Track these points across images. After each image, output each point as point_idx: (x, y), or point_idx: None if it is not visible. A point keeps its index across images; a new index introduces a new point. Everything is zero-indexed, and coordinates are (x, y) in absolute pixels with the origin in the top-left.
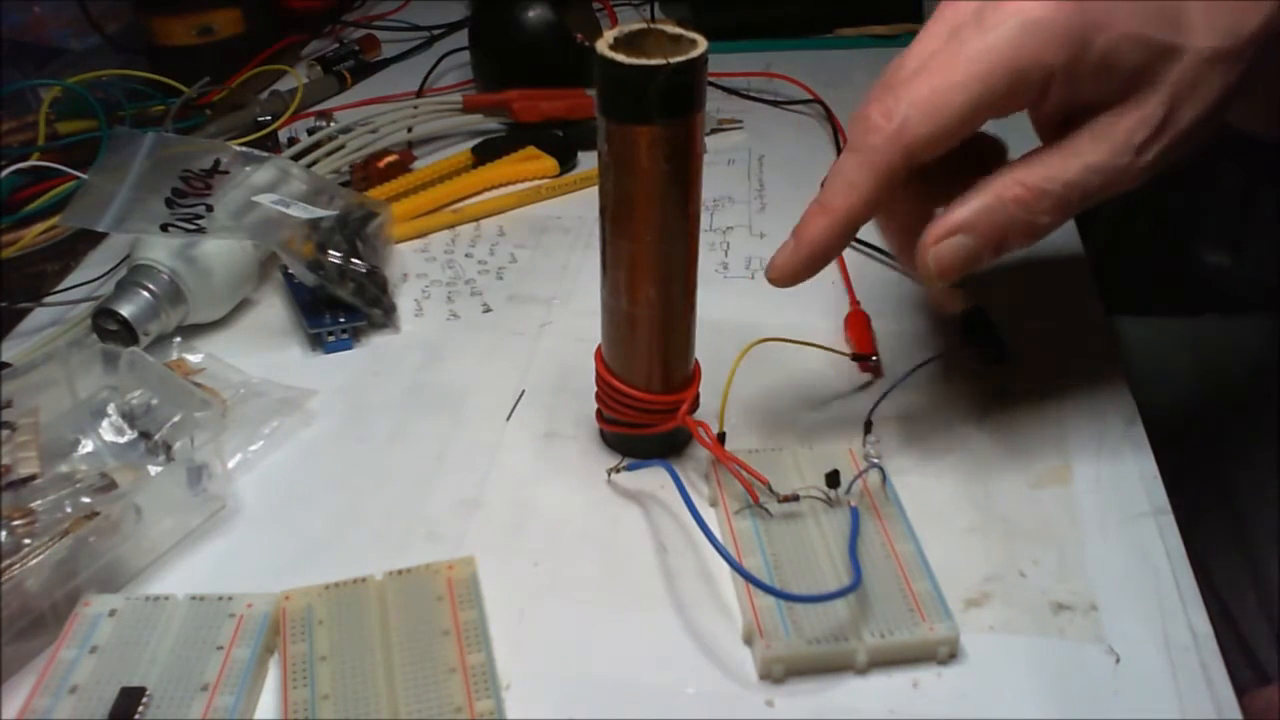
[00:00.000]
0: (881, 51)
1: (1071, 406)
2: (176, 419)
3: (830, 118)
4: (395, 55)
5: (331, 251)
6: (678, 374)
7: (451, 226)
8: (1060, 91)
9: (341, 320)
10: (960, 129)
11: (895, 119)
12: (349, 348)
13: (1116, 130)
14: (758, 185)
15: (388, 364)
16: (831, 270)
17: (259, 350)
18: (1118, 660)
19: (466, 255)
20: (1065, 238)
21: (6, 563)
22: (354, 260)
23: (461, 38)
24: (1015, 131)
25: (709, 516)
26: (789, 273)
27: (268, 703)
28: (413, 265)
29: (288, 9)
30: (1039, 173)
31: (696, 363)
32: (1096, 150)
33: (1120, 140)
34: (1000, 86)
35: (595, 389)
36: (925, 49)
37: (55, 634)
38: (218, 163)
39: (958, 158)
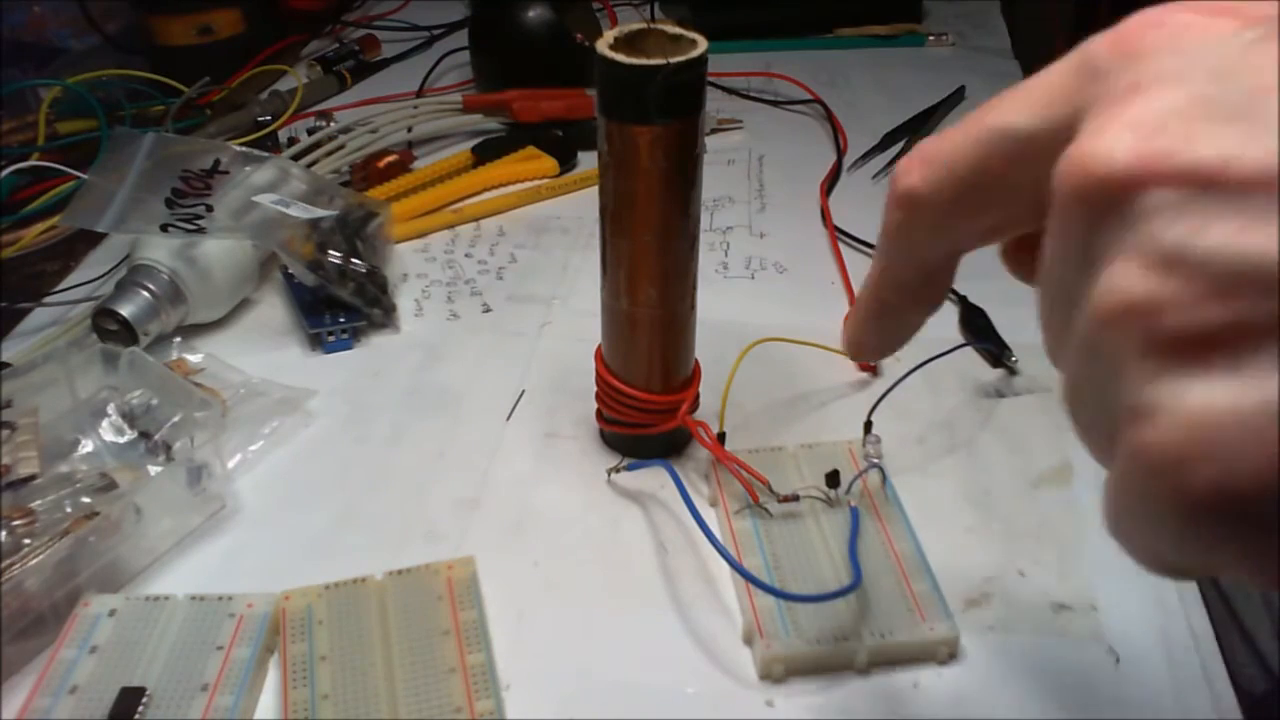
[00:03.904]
0: (881, 51)
1: None
2: (176, 419)
3: (830, 118)
4: (395, 55)
5: (331, 251)
6: (678, 374)
7: (451, 226)
8: None
9: (341, 320)
10: (973, 198)
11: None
12: (349, 348)
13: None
14: (758, 185)
15: (388, 364)
16: (831, 270)
17: (259, 350)
18: (1118, 660)
19: (466, 255)
20: None
21: (6, 563)
22: (354, 260)
23: (461, 38)
24: None
25: (709, 516)
26: (853, 346)
27: (268, 703)
28: (413, 265)
29: (288, 9)
30: None
31: (696, 363)
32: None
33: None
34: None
35: (595, 389)
36: None
37: (55, 634)
38: (218, 163)
39: None
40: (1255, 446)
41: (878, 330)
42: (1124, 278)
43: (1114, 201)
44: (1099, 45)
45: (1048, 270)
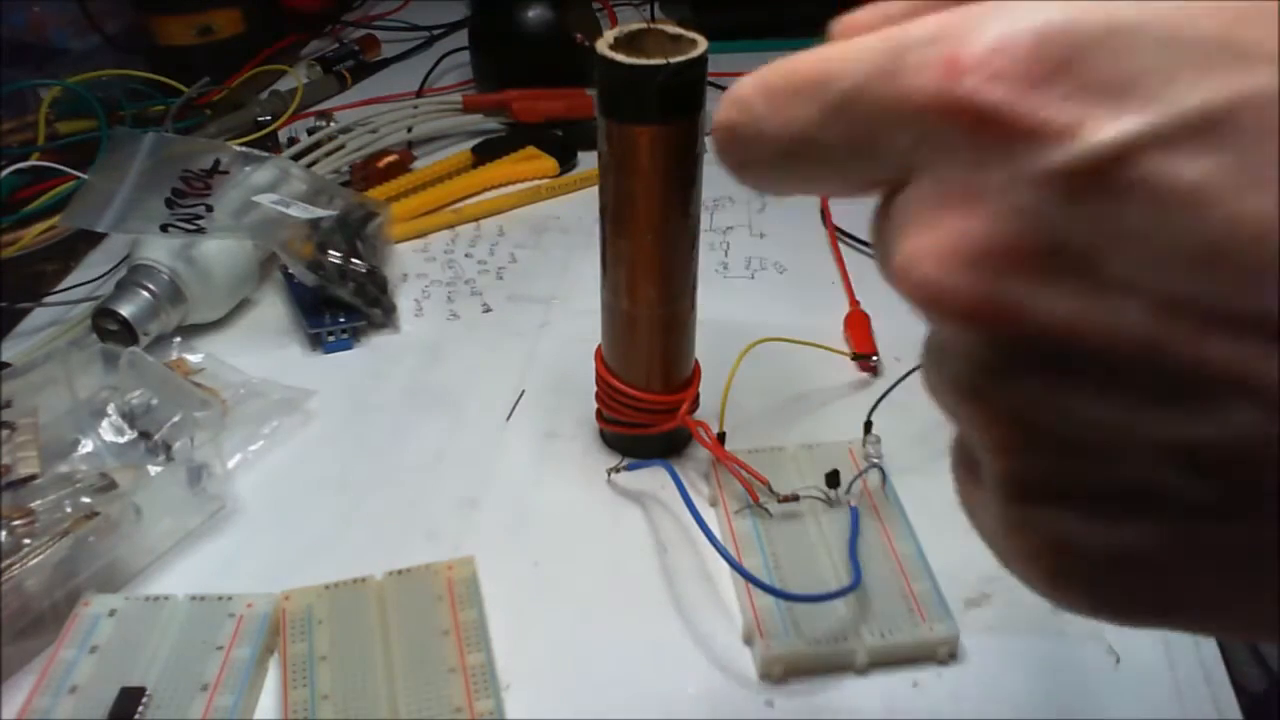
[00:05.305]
0: None
1: None
2: (176, 419)
3: None
4: (395, 55)
5: (331, 251)
6: (678, 374)
7: (451, 226)
8: None
9: (341, 320)
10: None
11: None
12: (349, 348)
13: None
14: None
15: (388, 364)
16: (831, 270)
17: (259, 350)
18: (1118, 660)
19: (466, 255)
20: None
21: (6, 563)
22: (354, 260)
23: (461, 38)
24: None
25: (709, 516)
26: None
27: (268, 703)
28: (413, 265)
29: (288, 9)
30: None
31: (696, 363)
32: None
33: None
34: None
35: (595, 389)
36: None
37: (55, 634)
38: (218, 163)
39: None
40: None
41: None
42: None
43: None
44: None
45: None
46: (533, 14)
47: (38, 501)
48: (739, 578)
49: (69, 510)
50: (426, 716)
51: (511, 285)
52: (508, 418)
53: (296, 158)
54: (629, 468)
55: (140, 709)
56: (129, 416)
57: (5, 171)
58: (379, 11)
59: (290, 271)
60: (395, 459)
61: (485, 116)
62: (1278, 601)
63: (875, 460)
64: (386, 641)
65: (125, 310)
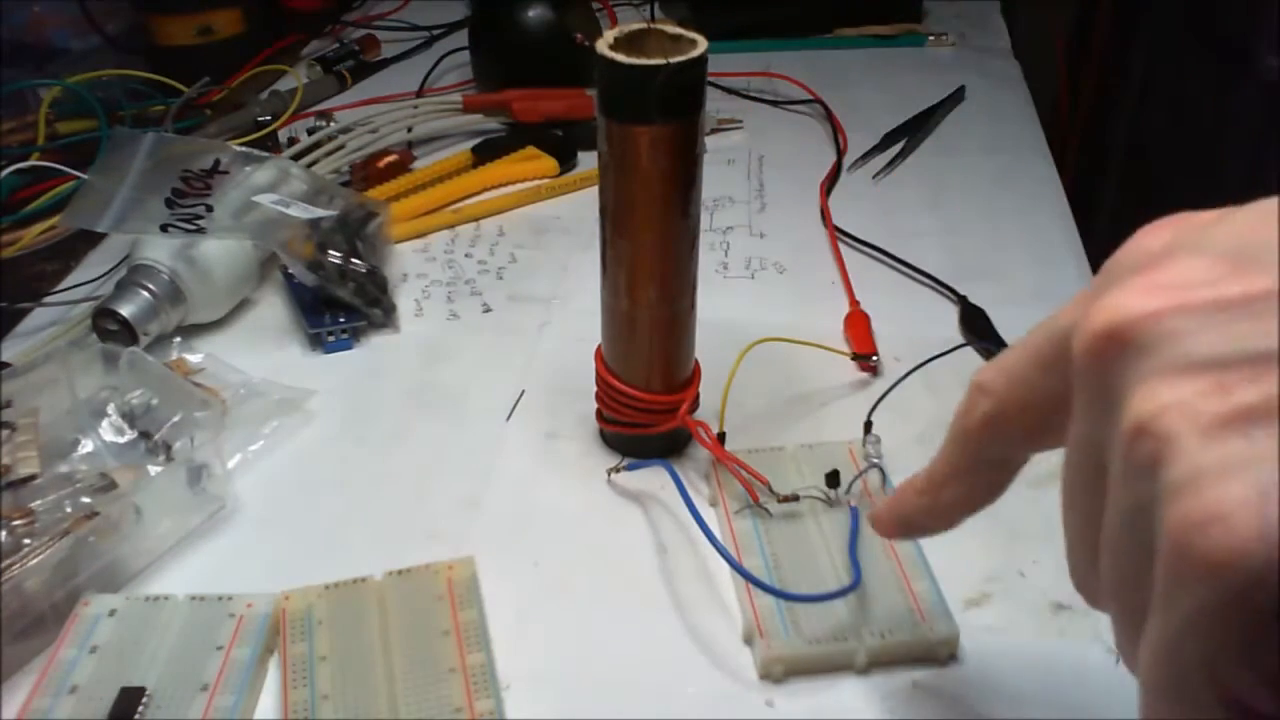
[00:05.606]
0: (881, 51)
1: None
2: (176, 419)
3: (830, 118)
4: (395, 55)
5: (331, 251)
6: (678, 374)
7: (451, 226)
8: None
9: (341, 320)
10: (1026, 393)
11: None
12: (349, 348)
13: None
14: (758, 185)
15: (388, 364)
16: (831, 270)
17: (259, 350)
18: (1118, 660)
19: (466, 255)
20: (1065, 235)
21: (6, 563)
22: (354, 260)
23: (461, 38)
24: None
25: (709, 516)
26: (881, 524)
27: (268, 703)
28: (413, 265)
29: (288, 9)
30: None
31: (696, 363)
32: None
33: None
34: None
35: (595, 389)
36: None
37: (55, 634)
38: (218, 163)
39: None
40: None
41: (917, 506)
42: (1156, 389)
43: (1127, 341)
44: (1115, 254)
45: (1071, 460)
46: (533, 14)
47: (38, 501)
48: (739, 578)
49: (69, 510)
50: (426, 717)
51: (511, 285)
52: (508, 418)
53: (296, 158)
54: (629, 468)
55: (140, 709)
56: (129, 416)
57: (5, 171)
58: (379, 11)
59: (290, 271)
60: (395, 459)
61: (485, 116)
62: None
63: (875, 460)
64: (386, 642)
65: (125, 310)
